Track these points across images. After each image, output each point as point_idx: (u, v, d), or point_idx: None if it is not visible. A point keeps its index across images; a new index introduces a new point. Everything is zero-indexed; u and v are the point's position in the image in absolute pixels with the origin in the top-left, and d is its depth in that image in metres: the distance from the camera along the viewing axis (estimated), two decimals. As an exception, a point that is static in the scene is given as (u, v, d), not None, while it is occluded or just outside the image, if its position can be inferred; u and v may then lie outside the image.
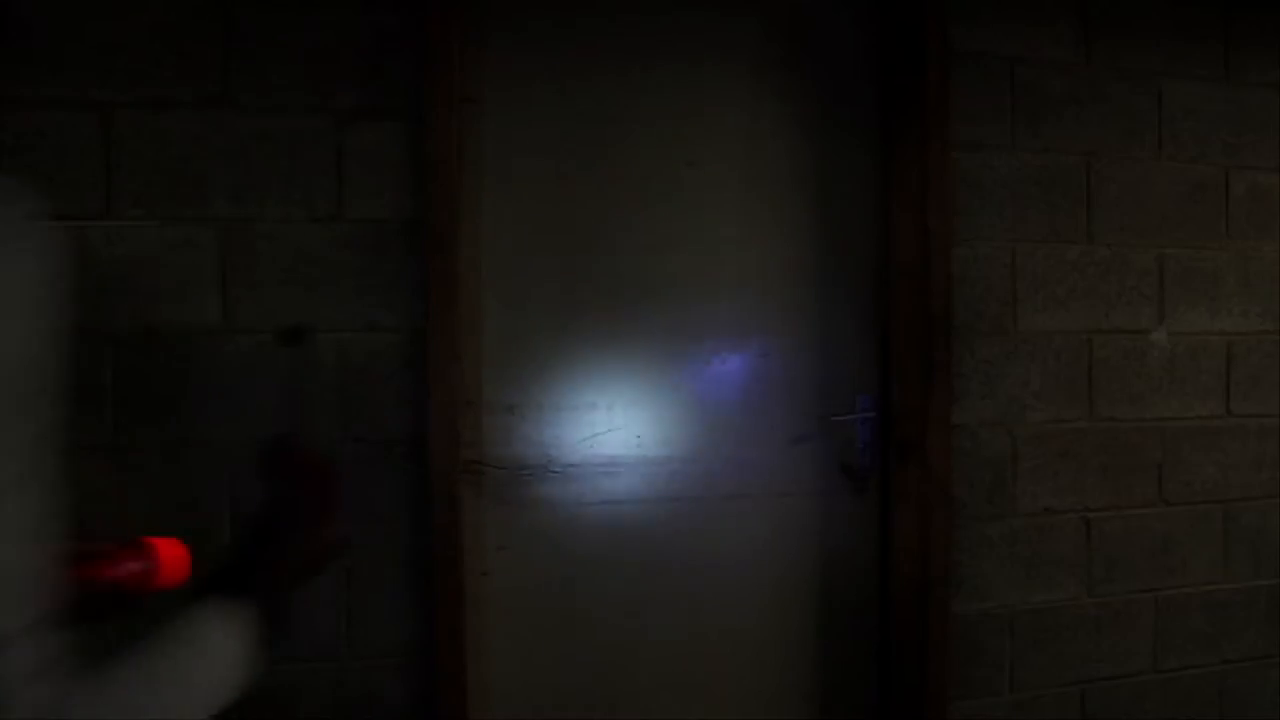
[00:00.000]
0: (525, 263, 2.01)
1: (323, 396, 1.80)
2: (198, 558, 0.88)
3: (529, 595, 2.04)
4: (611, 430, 2.07)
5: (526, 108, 2.00)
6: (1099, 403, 2.25)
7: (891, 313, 2.20)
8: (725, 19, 2.12)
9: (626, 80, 2.06)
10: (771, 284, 2.14)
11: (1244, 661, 2.39)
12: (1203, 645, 2.35)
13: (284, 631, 0.80)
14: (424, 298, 1.82)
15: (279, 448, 0.90)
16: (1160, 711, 2.31)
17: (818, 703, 2.21)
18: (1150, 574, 2.30)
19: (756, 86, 2.14)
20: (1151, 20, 2.27)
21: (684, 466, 2.07)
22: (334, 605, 1.81)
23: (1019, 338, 2.18)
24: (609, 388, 2.06)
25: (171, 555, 0.86)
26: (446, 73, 1.83)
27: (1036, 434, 2.20)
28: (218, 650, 0.74)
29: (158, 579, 0.85)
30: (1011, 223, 2.17)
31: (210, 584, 0.78)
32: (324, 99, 1.79)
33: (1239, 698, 2.38)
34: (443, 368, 1.82)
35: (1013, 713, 2.20)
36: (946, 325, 2.11)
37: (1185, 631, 2.33)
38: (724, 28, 2.12)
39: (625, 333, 2.07)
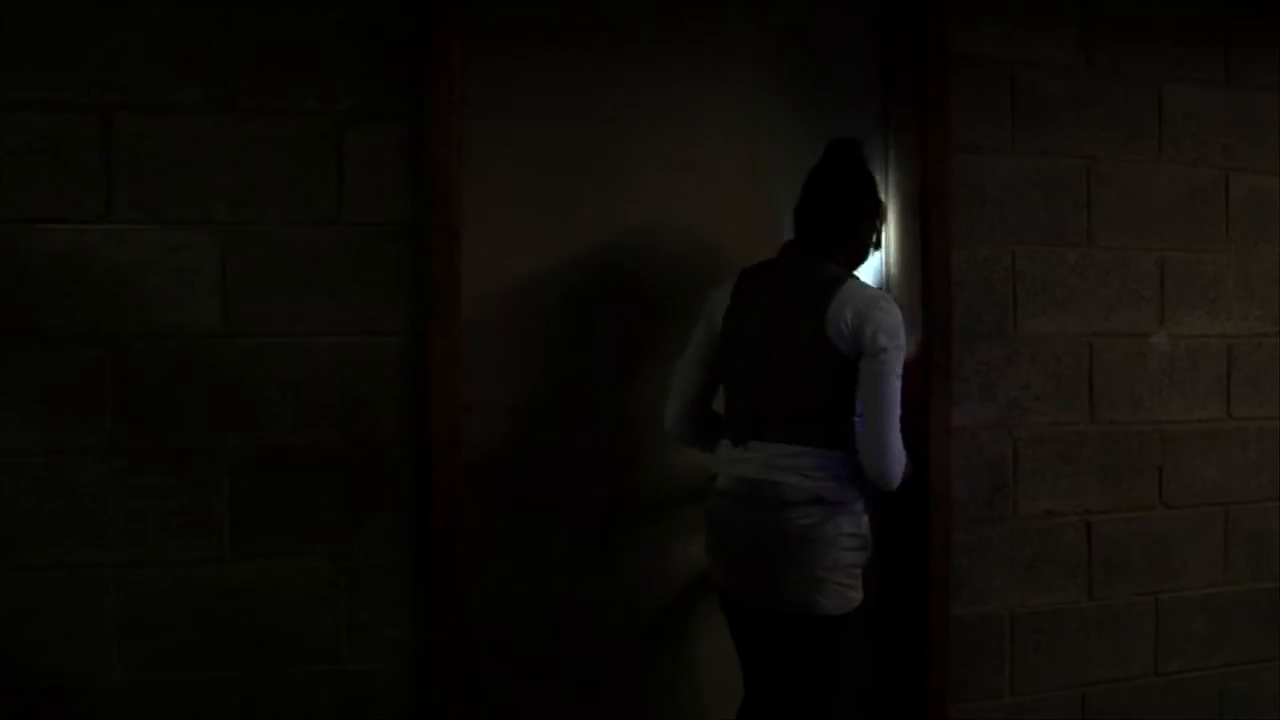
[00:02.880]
0: (525, 265, 2.01)
1: (322, 398, 1.80)
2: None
3: (529, 596, 2.04)
4: (611, 432, 2.07)
5: (527, 110, 2.01)
6: (1099, 405, 2.25)
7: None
8: (725, 23, 2.12)
9: (626, 83, 2.06)
10: (771, 287, 2.13)
11: (1245, 664, 2.39)
12: (1203, 648, 2.35)
13: None
14: (424, 300, 1.82)
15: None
16: (1161, 714, 2.31)
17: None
18: (1151, 577, 2.30)
19: (756, 89, 2.14)
20: (1151, 23, 2.28)
21: (685, 470, 2.07)
22: (335, 607, 1.81)
23: (1019, 340, 2.18)
24: (609, 390, 2.06)
25: None
26: (446, 75, 1.83)
27: (1037, 436, 2.20)
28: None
29: None
30: (1011, 225, 2.17)
31: None
32: (324, 101, 1.79)
33: (1239, 701, 2.38)
34: (442, 370, 1.82)
35: (1013, 715, 2.20)
36: (946, 328, 2.11)
37: (1186, 634, 2.33)
38: (724, 31, 2.12)
39: (626, 335, 2.07)
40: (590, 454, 2.06)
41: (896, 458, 1.68)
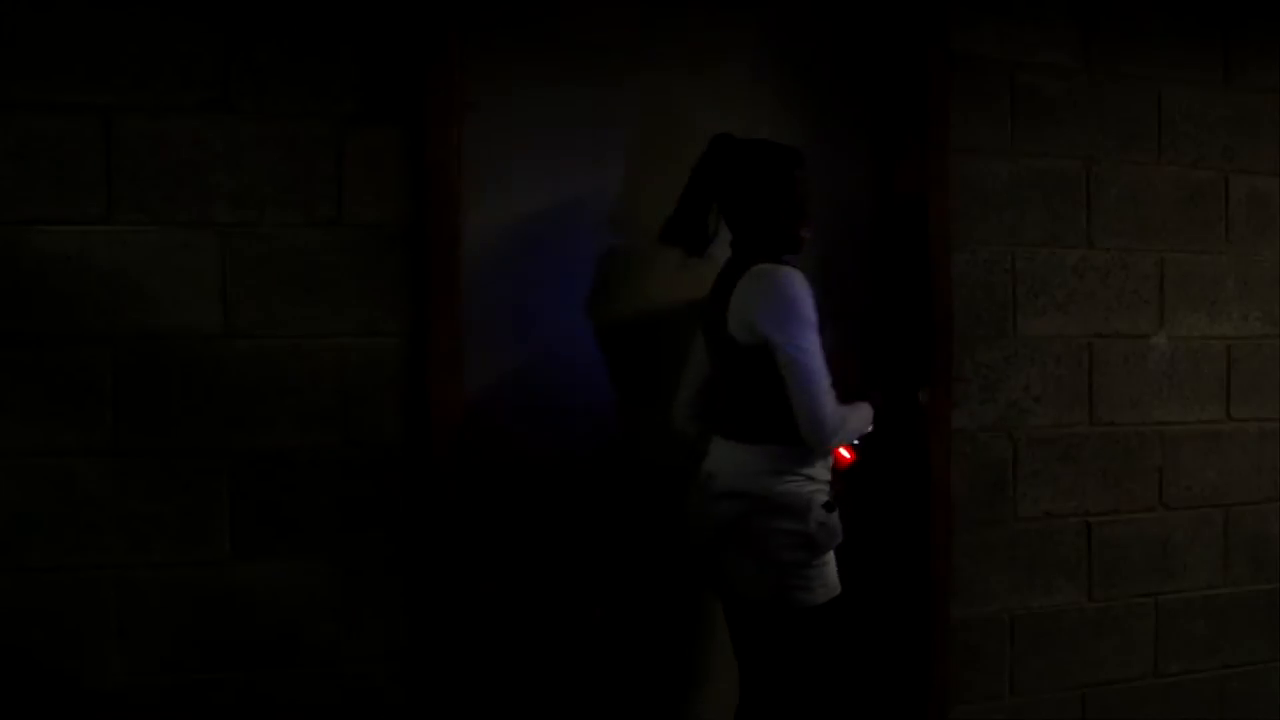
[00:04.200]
0: (525, 267, 2.01)
1: (322, 399, 1.80)
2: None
3: (529, 596, 2.04)
4: (612, 434, 2.07)
5: (526, 112, 2.01)
6: (1099, 407, 2.25)
7: (891, 317, 2.20)
8: (725, 23, 2.12)
9: (626, 85, 2.06)
10: (771, 288, 2.13)
11: (1245, 666, 2.39)
12: (1203, 650, 2.35)
13: None
14: (424, 301, 1.82)
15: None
16: (1161, 715, 2.31)
17: (818, 707, 2.20)
18: (1150, 578, 2.30)
19: (755, 92, 2.14)
20: (1151, 25, 2.28)
21: (685, 468, 2.07)
22: (334, 608, 1.81)
23: (1019, 342, 2.18)
24: (609, 390, 2.06)
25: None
26: (446, 78, 1.83)
27: (1037, 438, 2.20)
28: None
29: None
30: (1011, 227, 2.17)
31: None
32: (324, 103, 1.79)
33: (1240, 702, 2.38)
34: (442, 370, 1.82)
35: (1013, 716, 2.20)
36: (946, 330, 2.11)
37: (1186, 636, 2.33)
38: (724, 32, 2.12)
39: (626, 337, 2.07)
40: (590, 454, 2.06)
41: (827, 425, 1.62)
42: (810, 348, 1.61)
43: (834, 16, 2.20)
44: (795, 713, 1.72)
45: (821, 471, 1.73)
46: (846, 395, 1.70)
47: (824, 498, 1.70)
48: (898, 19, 2.17)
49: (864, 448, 2.19)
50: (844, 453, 1.86)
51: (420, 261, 1.82)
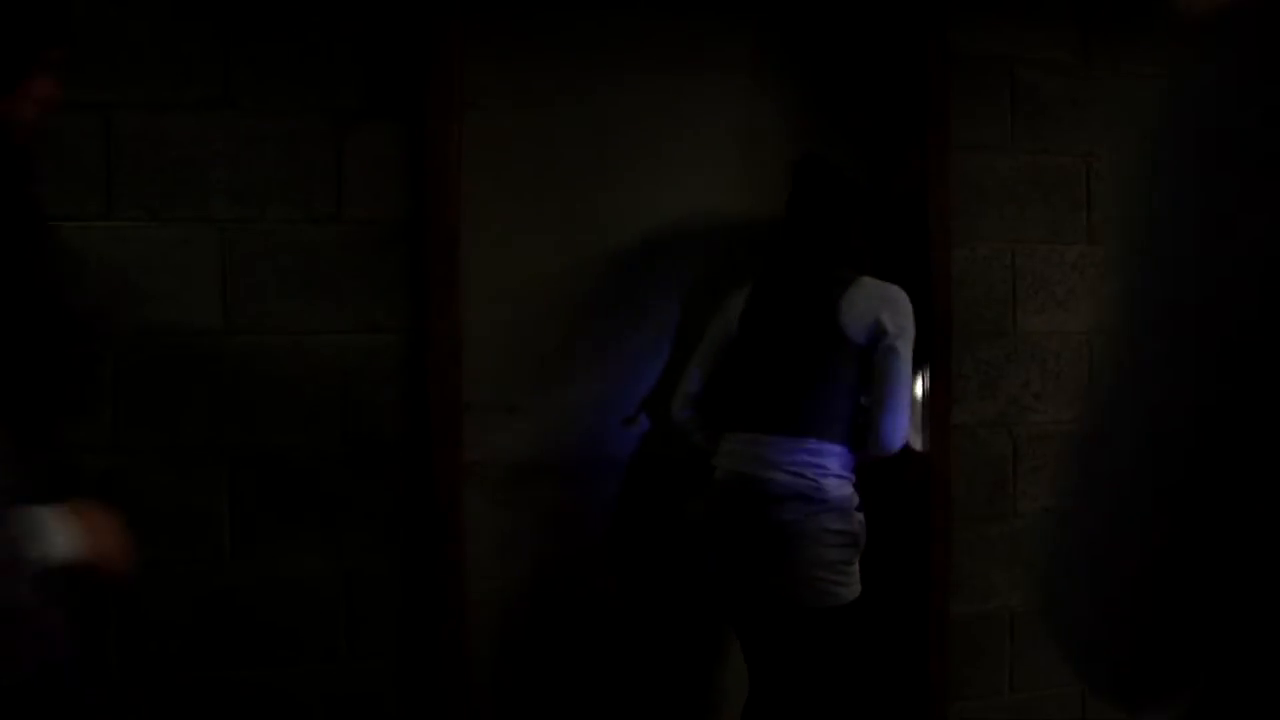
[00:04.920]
0: (525, 265, 2.01)
1: (322, 397, 1.80)
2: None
3: (529, 596, 2.04)
4: (610, 431, 2.07)
5: (526, 111, 2.01)
6: (1099, 403, 2.24)
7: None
8: (725, 23, 2.12)
9: (626, 84, 2.06)
10: (771, 285, 2.13)
11: (1244, 662, 2.38)
12: (1203, 646, 2.35)
13: None
14: (423, 299, 1.82)
15: None
16: (1161, 712, 2.31)
17: (818, 704, 2.20)
18: (1150, 575, 2.30)
19: (755, 90, 2.14)
20: (1151, 23, 2.28)
21: (686, 467, 2.06)
22: (334, 607, 1.81)
23: (1019, 338, 2.18)
24: (609, 390, 2.06)
25: None
26: (447, 76, 1.83)
27: (1037, 434, 2.20)
28: None
29: None
30: (1011, 224, 2.17)
31: None
32: (324, 101, 1.79)
33: (1239, 699, 2.38)
34: (442, 368, 1.82)
35: (1013, 713, 2.20)
36: (946, 326, 2.11)
37: (1185, 632, 2.33)
38: (724, 31, 2.12)
39: (626, 335, 2.07)
40: (590, 454, 2.06)
41: (904, 434, 1.78)
42: (910, 366, 1.78)
43: (833, 15, 2.20)
44: (815, 708, 1.75)
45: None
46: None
47: (858, 498, 1.79)
48: (897, 16, 2.17)
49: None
50: None
51: (420, 258, 1.82)
